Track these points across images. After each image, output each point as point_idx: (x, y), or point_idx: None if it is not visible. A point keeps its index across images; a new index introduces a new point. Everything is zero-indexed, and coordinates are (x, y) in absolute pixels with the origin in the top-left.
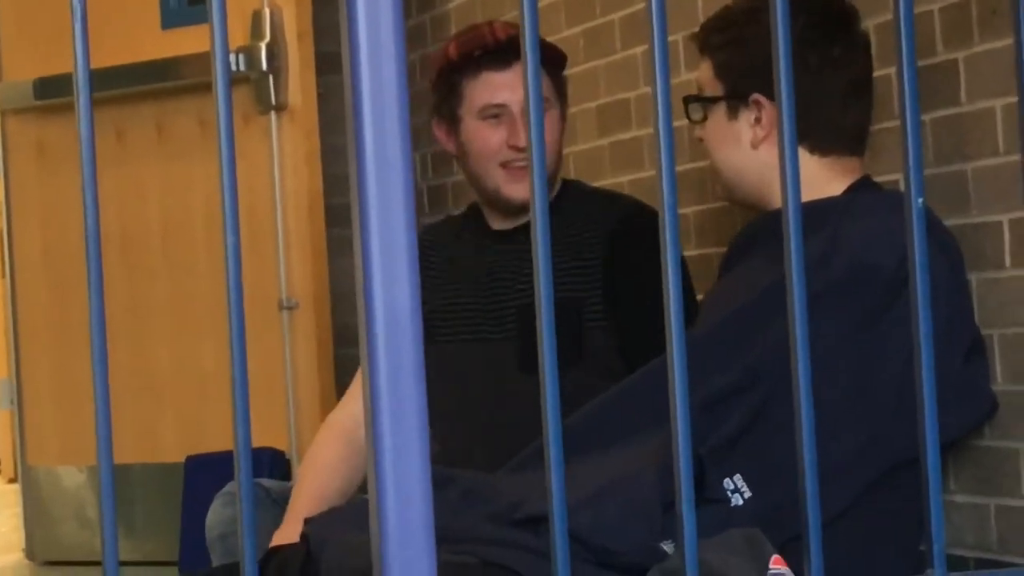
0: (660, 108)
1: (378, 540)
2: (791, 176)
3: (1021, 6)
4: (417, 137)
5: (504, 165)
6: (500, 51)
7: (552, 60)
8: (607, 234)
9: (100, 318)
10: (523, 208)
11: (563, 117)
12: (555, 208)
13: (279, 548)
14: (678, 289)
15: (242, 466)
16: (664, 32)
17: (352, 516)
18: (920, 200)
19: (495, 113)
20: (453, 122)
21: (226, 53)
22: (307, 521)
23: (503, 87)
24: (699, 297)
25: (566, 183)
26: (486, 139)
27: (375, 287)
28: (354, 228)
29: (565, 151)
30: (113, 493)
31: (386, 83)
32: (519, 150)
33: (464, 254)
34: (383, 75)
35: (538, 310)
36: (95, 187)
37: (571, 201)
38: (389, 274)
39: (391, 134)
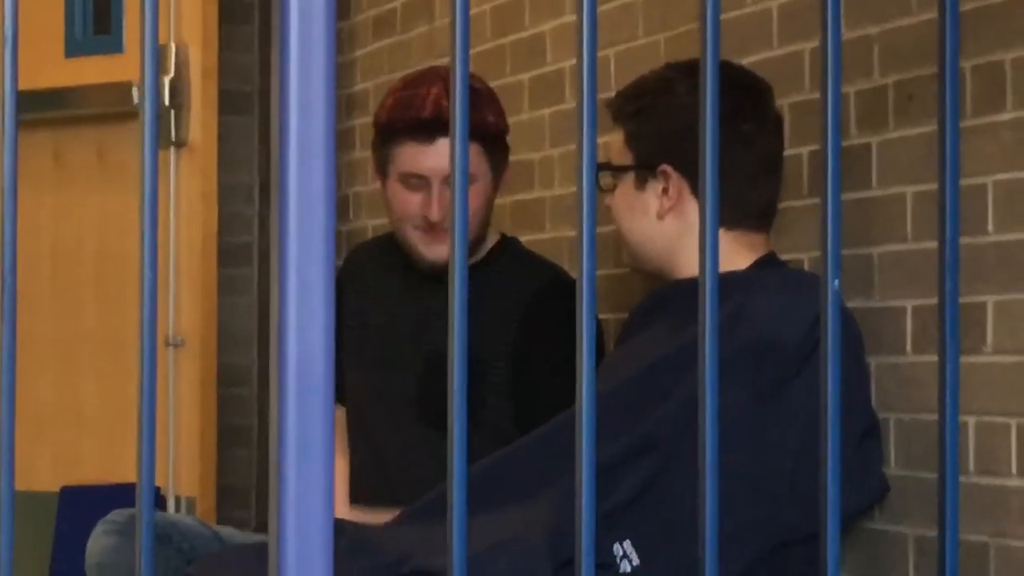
0: (585, 170)
1: None
2: (710, 248)
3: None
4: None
5: (419, 228)
6: (423, 126)
7: (481, 133)
8: (524, 300)
9: None
10: (439, 268)
11: (495, 186)
12: (485, 263)
13: None
14: (592, 351)
15: (144, 500)
16: (594, 92)
17: (242, 557)
18: (836, 282)
19: (413, 182)
20: (383, 175)
21: (155, 89)
22: (193, 562)
23: (423, 159)
24: None
25: (504, 240)
26: (404, 203)
27: (289, 332)
28: (272, 275)
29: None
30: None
31: (314, 125)
32: (428, 222)
33: (389, 281)
34: (312, 114)
35: (450, 380)
36: (14, 217)
37: (500, 261)
38: (304, 319)
39: (316, 174)
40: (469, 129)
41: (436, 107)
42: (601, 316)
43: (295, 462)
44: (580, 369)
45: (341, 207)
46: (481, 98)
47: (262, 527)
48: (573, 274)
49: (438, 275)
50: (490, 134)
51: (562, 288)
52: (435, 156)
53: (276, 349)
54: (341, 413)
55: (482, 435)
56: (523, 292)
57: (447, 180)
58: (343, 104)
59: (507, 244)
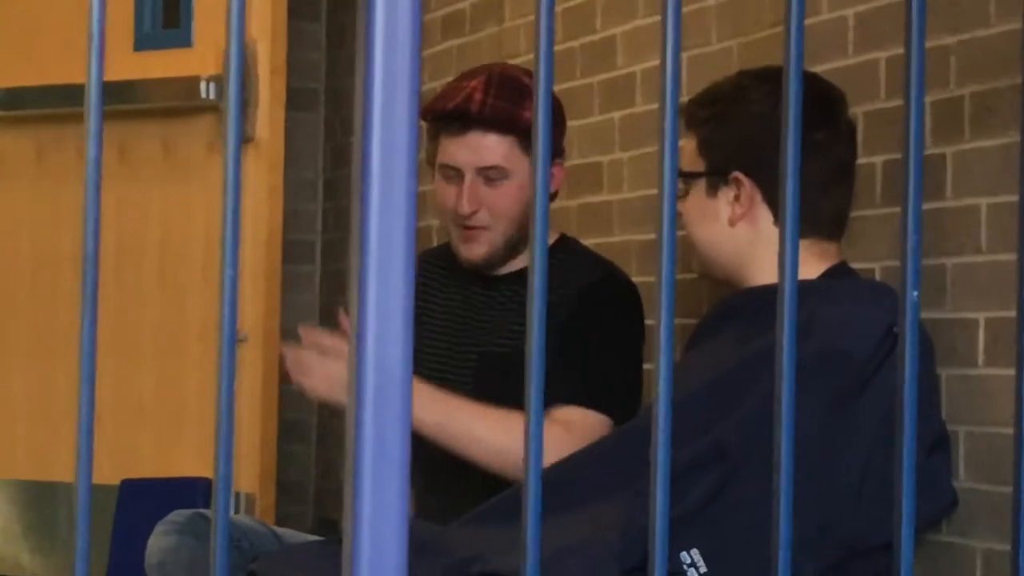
0: (667, 175)
1: None
2: (790, 259)
3: None
4: None
5: (455, 224)
6: (455, 117)
7: (514, 127)
8: (573, 296)
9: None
10: (477, 266)
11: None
12: None
13: None
14: (669, 355)
15: (220, 503)
16: (676, 95)
17: (304, 557)
18: (915, 293)
19: (450, 174)
20: (432, 169)
21: (240, 88)
22: (255, 559)
23: (455, 151)
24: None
25: (563, 239)
26: (443, 196)
27: (368, 339)
28: (351, 275)
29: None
30: (88, 512)
31: (398, 127)
32: (458, 215)
33: (447, 288)
34: (395, 115)
35: (528, 380)
36: (98, 204)
37: (556, 260)
38: (384, 327)
39: (398, 179)
40: (501, 122)
41: (468, 99)
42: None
43: (371, 460)
44: (658, 375)
45: None
46: (523, 93)
47: (318, 523)
48: (636, 277)
49: (489, 277)
50: (523, 129)
51: (611, 285)
52: (465, 148)
53: (355, 350)
54: None
55: None
56: (573, 288)
57: (480, 173)
58: None
59: (564, 243)
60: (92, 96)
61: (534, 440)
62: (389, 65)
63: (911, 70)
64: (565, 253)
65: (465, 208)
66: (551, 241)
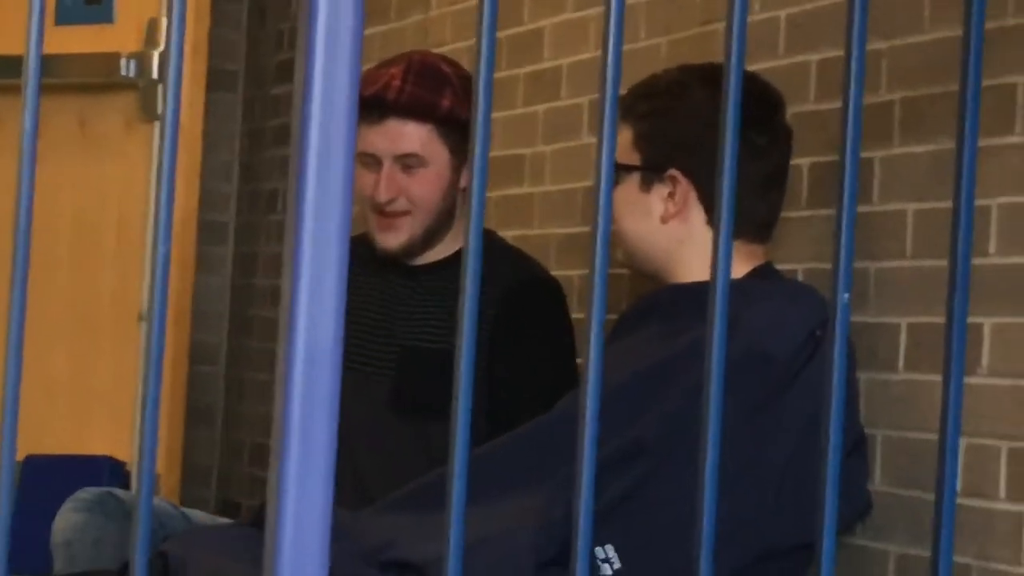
0: (604, 168)
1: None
2: (723, 259)
3: None
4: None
5: (373, 212)
6: (372, 105)
7: (432, 114)
8: (500, 296)
9: None
10: (395, 255)
11: (453, 170)
12: (456, 259)
13: None
14: (599, 350)
15: (144, 484)
16: (616, 87)
17: (216, 538)
18: (847, 296)
19: (367, 161)
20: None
21: (179, 70)
22: (166, 539)
23: (372, 138)
24: (579, 361)
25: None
26: (361, 184)
27: (299, 316)
28: (285, 258)
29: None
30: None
31: (337, 102)
32: (375, 203)
33: (365, 277)
34: (335, 91)
35: (456, 375)
36: (32, 178)
37: None
38: (316, 306)
39: (336, 161)
40: (419, 110)
41: (386, 87)
42: (584, 315)
43: (298, 446)
44: (587, 367)
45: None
46: (442, 82)
47: (222, 506)
48: (556, 271)
49: (408, 267)
50: (441, 117)
51: (537, 285)
52: (383, 135)
53: (285, 335)
54: None
55: None
56: (499, 286)
57: (398, 160)
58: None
59: (485, 237)
60: (31, 68)
61: (461, 434)
62: (331, 47)
63: (850, 71)
64: (486, 248)
65: (382, 195)
66: None
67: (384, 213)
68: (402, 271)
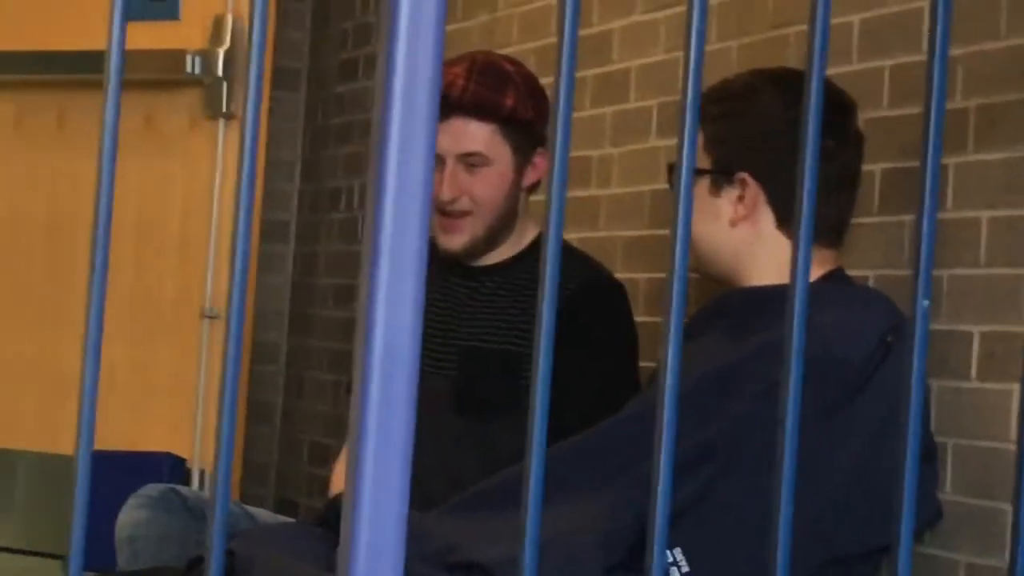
0: (684, 170)
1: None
2: (803, 264)
3: None
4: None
5: (437, 212)
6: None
7: (495, 113)
8: (565, 297)
9: None
10: (457, 256)
11: (520, 174)
12: (521, 257)
13: (202, 558)
14: (677, 352)
15: (220, 483)
16: (698, 88)
17: (281, 537)
18: (926, 303)
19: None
20: None
21: (260, 70)
22: (233, 537)
23: (439, 137)
24: (643, 364)
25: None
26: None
27: (377, 315)
28: (364, 255)
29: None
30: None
31: (419, 103)
32: (438, 202)
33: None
34: (417, 88)
35: (534, 375)
36: (112, 174)
37: (537, 256)
38: (395, 305)
39: (416, 159)
40: (483, 108)
41: (450, 85)
42: (651, 318)
43: (375, 447)
44: (664, 368)
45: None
46: (505, 81)
47: (279, 504)
48: (621, 273)
49: (469, 268)
50: (505, 116)
51: (598, 288)
52: (447, 134)
53: (362, 336)
54: None
55: (519, 426)
56: (565, 288)
57: (461, 160)
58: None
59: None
60: (112, 64)
61: (538, 441)
62: (412, 48)
63: (933, 77)
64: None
65: (446, 194)
66: (531, 236)
67: (447, 213)
68: (463, 272)
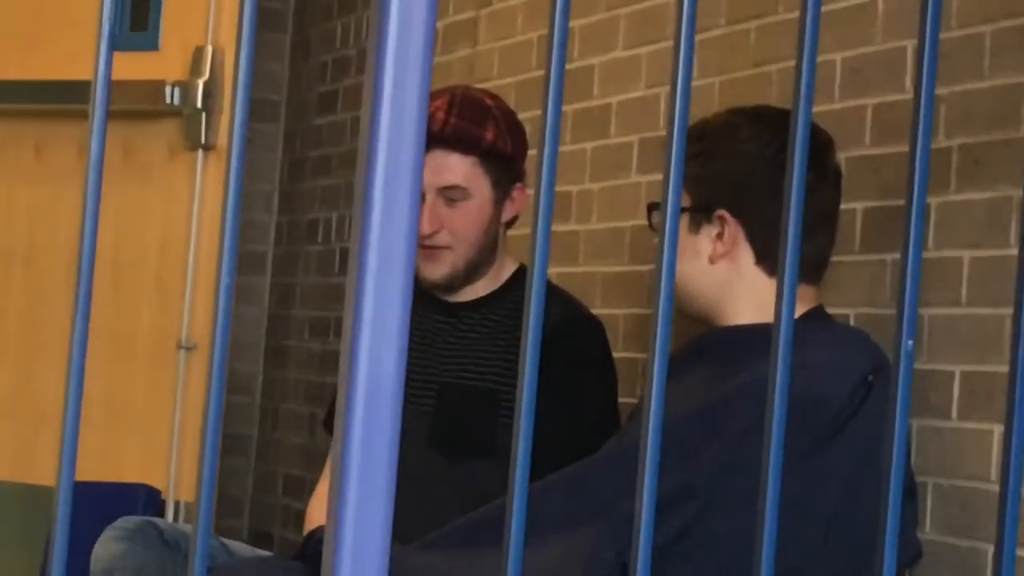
0: (670, 209)
1: None
2: (787, 302)
3: None
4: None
5: (419, 244)
6: None
7: (475, 147)
8: (544, 333)
9: None
10: (436, 287)
11: (499, 208)
12: (500, 293)
13: None
14: (661, 392)
15: (202, 518)
16: (685, 122)
17: (260, 571)
18: (911, 343)
19: None
20: None
21: (247, 102)
22: (211, 571)
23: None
24: (623, 401)
25: (522, 270)
26: None
27: (361, 349)
28: (348, 287)
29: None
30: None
31: (406, 125)
32: (422, 236)
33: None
34: (404, 121)
35: (517, 412)
36: (97, 203)
37: (515, 292)
38: (379, 336)
39: (403, 187)
40: (464, 142)
41: (431, 119)
42: (628, 354)
43: (357, 481)
44: (647, 407)
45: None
46: (485, 115)
47: (254, 537)
48: (601, 309)
49: (447, 304)
50: (485, 150)
51: (571, 320)
52: (427, 167)
53: (346, 369)
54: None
55: (497, 464)
56: (544, 324)
57: (441, 193)
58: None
59: (522, 274)
60: (98, 94)
61: (521, 477)
62: (399, 80)
63: (919, 116)
64: (523, 284)
65: (425, 228)
66: (509, 272)
67: (425, 247)
68: (441, 308)
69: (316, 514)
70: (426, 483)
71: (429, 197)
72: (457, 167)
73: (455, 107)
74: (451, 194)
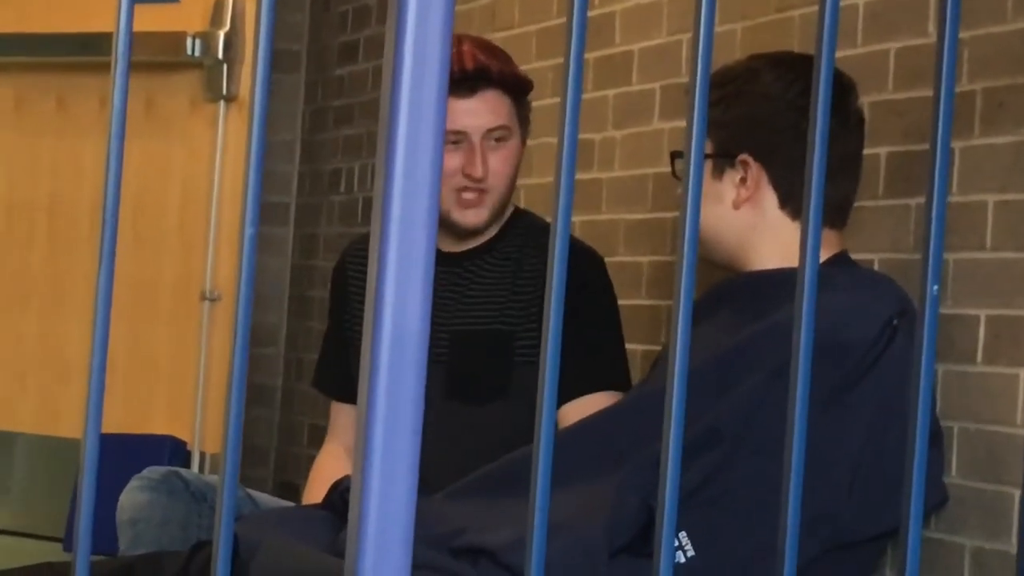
0: (693, 155)
1: (354, 558)
2: (812, 245)
3: None
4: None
5: (458, 190)
6: (465, 79)
7: (515, 86)
8: (541, 272)
9: None
10: (471, 233)
11: (523, 144)
12: (499, 237)
13: (205, 543)
14: (686, 338)
15: (228, 467)
16: (707, 70)
17: (286, 521)
18: (936, 288)
19: (455, 140)
20: None
21: (269, 52)
22: (237, 520)
23: (464, 114)
24: (646, 348)
25: (517, 212)
26: (445, 163)
27: (386, 302)
28: (372, 246)
29: (521, 182)
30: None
31: (428, 73)
32: (473, 179)
33: None
34: (426, 69)
35: (542, 361)
36: (120, 156)
37: (517, 233)
38: (403, 293)
39: (425, 136)
40: (507, 81)
41: (474, 59)
42: (652, 301)
43: (383, 432)
44: (672, 354)
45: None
46: (507, 56)
47: (279, 487)
48: (624, 256)
49: (448, 255)
50: (522, 89)
51: (579, 256)
52: (473, 111)
53: (371, 319)
54: (341, 410)
55: (514, 406)
56: (542, 262)
57: (489, 135)
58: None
59: (521, 216)
60: (120, 46)
61: (546, 427)
62: (421, 24)
63: (943, 61)
64: (525, 227)
65: (481, 171)
66: (508, 214)
67: (471, 190)
68: (443, 259)
69: (316, 490)
70: (442, 431)
71: (476, 140)
72: (502, 107)
73: (481, 50)
74: (497, 134)
